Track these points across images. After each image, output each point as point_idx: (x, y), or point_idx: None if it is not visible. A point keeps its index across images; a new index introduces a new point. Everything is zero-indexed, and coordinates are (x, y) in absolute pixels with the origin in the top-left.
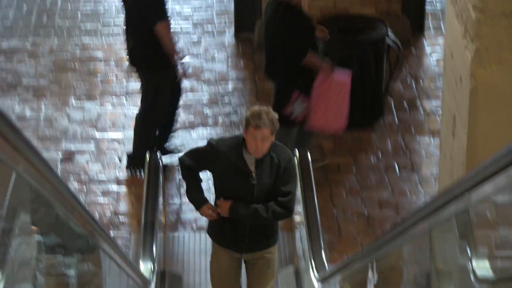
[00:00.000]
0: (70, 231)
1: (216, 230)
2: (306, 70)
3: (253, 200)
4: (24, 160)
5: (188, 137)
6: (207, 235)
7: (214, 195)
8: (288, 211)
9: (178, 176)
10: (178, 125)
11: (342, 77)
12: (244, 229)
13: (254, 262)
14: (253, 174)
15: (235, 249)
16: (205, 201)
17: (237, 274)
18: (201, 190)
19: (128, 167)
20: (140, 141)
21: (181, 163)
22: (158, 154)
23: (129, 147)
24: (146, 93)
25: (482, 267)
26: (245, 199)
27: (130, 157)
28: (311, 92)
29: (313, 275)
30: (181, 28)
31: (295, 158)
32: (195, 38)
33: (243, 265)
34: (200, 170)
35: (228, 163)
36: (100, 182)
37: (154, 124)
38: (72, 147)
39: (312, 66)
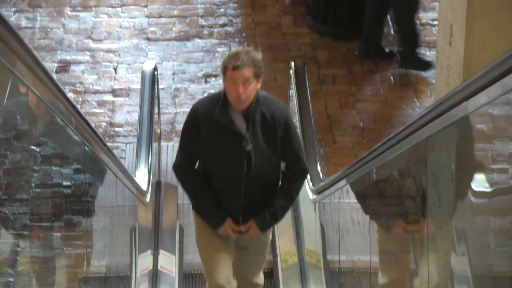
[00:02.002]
0: (67, 139)
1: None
2: None
3: (251, 171)
4: (22, 65)
5: (184, 48)
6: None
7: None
8: (305, 174)
9: (173, 85)
10: (173, 35)
11: None
12: (237, 214)
13: (244, 243)
14: (246, 137)
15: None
16: (225, 217)
17: (228, 244)
18: (214, 201)
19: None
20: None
21: (176, 168)
22: (153, 63)
23: (126, 59)
24: None
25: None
26: (238, 171)
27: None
28: None
29: (309, 187)
30: None
31: (290, 69)
32: None
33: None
34: (194, 155)
35: (212, 123)
36: (96, 92)
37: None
38: (68, 57)
39: None
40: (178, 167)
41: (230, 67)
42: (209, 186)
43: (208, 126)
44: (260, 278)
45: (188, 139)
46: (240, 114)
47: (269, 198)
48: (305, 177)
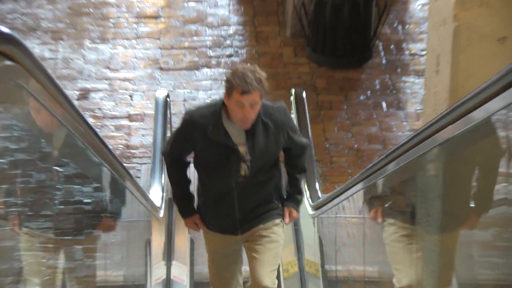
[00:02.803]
0: (87, 161)
1: (206, 216)
2: None
3: (246, 180)
4: (46, 94)
5: (194, 77)
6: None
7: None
8: (308, 147)
9: (184, 110)
10: (184, 65)
11: None
12: (234, 213)
13: (253, 240)
14: (242, 148)
15: (228, 233)
16: (193, 211)
17: (237, 259)
18: (188, 195)
19: None
20: None
21: (162, 153)
22: (166, 91)
23: (140, 86)
24: None
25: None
26: (236, 181)
27: None
28: None
29: (308, 203)
30: None
31: (291, 96)
32: None
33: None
34: (184, 156)
35: (205, 138)
36: (113, 117)
37: None
38: (87, 85)
39: None
40: (167, 156)
41: (238, 90)
42: (204, 193)
43: (203, 139)
44: (274, 284)
45: (179, 143)
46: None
47: (264, 201)
48: (308, 148)
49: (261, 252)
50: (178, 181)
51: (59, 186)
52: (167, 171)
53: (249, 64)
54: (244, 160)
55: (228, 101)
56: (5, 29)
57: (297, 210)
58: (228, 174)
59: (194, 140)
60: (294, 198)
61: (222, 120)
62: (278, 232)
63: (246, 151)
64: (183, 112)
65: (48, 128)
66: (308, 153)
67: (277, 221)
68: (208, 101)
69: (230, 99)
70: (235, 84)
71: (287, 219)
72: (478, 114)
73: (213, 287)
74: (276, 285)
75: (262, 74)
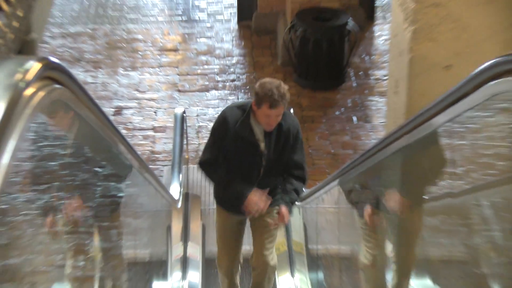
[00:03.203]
0: (121, 163)
1: (223, 198)
2: None
3: (261, 171)
4: (88, 112)
5: (205, 97)
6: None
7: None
8: (304, 182)
9: (197, 124)
10: (197, 88)
11: None
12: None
13: (259, 224)
14: (262, 144)
15: (241, 214)
16: (250, 188)
17: (241, 232)
18: (236, 183)
19: None
20: None
21: (202, 164)
22: (183, 108)
23: (163, 105)
24: None
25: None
26: (252, 170)
27: None
28: None
29: None
30: (198, 17)
31: None
32: (209, 24)
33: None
34: (217, 158)
35: (235, 133)
36: (141, 129)
37: None
38: (121, 104)
39: None
40: (205, 164)
41: (267, 105)
42: (226, 183)
43: (231, 135)
44: (274, 260)
45: (218, 140)
46: (261, 126)
47: (271, 192)
48: (304, 184)
49: (265, 233)
50: (222, 178)
51: (99, 183)
52: (210, 177)
53: (274, 80)
54: (262, 154)
55: (256, 110)
56: (54, 59)
57: (290, 211)
58: (248, 165)
59: (227, 132)
60: (285, 199)
61: (250, 119)
62: (274, 213)
63: (264, 147)
64: (196, 125)
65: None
66: None
67: (277, 207)
68: (241, 100)
69: (259, 110)
70: (264, 100)
71: (281, 220)
72: (428, 126)
73: (219, 261)
74: (276, 262)
75: (285, 88)
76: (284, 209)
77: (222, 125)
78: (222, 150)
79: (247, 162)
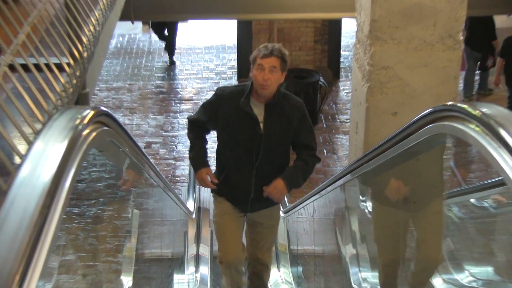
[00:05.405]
0: (149, 185)
1: (224, 191)
2: None
3: (259, 153)
4: (127, 146)
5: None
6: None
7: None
8: (316, 158)
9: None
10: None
11: None
12: (249, 193)
13: (258, 218)
14: (261, 124)
15: (238, 207)
16: (206, 164)
17: (240, 223)
18: (203, 152)
19: None
20: None
21: (188, 119)
22: None
23: (182, 140)
24: None
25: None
26: (250, 152)
27: None
28: None
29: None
30: (208, 75)
31: None
32: (216, 80)
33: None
34: (206, 124)
35: (233, 106)
36: (165, 158)
37: None
38: (150, 140)
39: None
40: (191, 121)
41: (260, 55)
42: (224, 166)
43: (228, 109)
44: (269, 260)
45: (206, 109)
46: (262, 105)
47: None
48: (317, 161)
49: (265, 226)
50: (195, 139)
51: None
52: (188, 132)
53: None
54: (260, 133)
55: (252, 71)
56: (103, 108)
57: (287, 186)
58: (246, 144)
59: (220, 110)
60: (289, 174)
61: (250, 99)
62: (277, 211)
63: (262, 127)
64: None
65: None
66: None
67: (277, 206)
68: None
69: (253, 66)
70: (258, 51)
71: (269, 189)
72: (380, 159)
73: (221, 252)
74: (271, 263)
75: (284, 49)
76: (277, 182)
77: (216, 100)
78: (210, 122)
79: (244, 143)
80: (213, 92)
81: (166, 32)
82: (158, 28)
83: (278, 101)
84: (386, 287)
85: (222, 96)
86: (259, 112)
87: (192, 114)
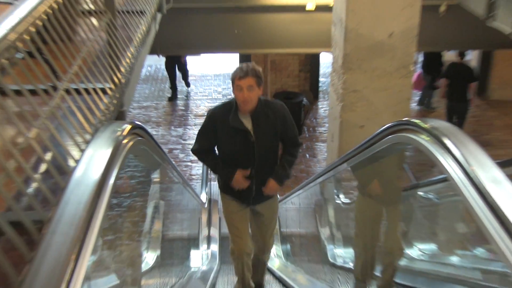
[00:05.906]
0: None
1: (226, 186)
2: None
3: (255, 157)
4: (156, 151)
5: None
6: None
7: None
8: (299, 145)
9: None
10: None
11: None
12: (251, 191)
13: (260, 210)
14: (251, 133)
15: (242, 202)
16: (232, 171)
17: (246, 217)
18: (223, 164)
19: None
20: None
21: (193, 152)
22: None
23: None
24: None
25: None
26: (247, 157)
27: None
28: None
29: None
30: (217, 96)
31: None
32: (223, 100)
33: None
34: (212, 145)
35: (227, 126)
36: (184, 161)
37: None
38: (171, 146)
39: None
40: (196, 152)
41: (237, 77)
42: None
43: (222, 126)
44: (271, 244)
45: (205, 134)
46: (249, 116)
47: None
48: (299, 147)
49: (266, 216)
50: (209, 161)
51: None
52: (199, 159)
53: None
54: (252, 141)
55: (233, 91)
56: (138, 122)
57: (278, 183)
58: (243, 153)
59: (216, 129)
60: (278, 173)
61: (238, 113)
62: (276, 202)
63: (252, 135)
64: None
65: None
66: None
67: (275, 197)
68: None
69: (233, 87)
70: (235, 73)
71: (266, 189)
72: (351, 162)
73: (234, 243)
74: (273, 246)
75: (257, 67)
76: (271, 183)
77: (210, 122)
78: (213, 141)
79: (241, 152)
80: (207, 114)
81: (177, 69)
82: (170, 65)
83: (261, 109)
84: (361, 262)
85: (214, 116)
86: (247, 122)
87: (193, 144)
